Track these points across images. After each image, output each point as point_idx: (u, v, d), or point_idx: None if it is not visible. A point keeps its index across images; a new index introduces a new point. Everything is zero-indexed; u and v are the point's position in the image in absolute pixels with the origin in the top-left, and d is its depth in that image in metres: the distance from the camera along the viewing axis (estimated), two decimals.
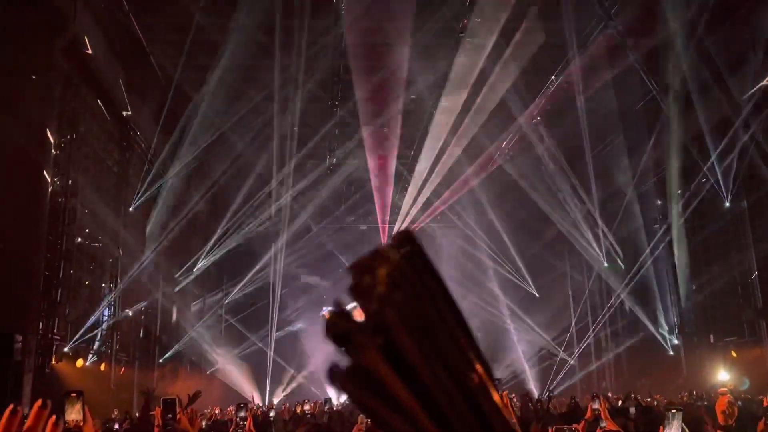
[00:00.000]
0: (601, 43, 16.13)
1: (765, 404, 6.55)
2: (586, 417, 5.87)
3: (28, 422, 1.32)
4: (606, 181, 21.30)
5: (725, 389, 3.75)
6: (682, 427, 3.78)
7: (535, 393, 20.31)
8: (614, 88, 17.93)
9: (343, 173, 22.68)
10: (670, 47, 16.37)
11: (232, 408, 13.20)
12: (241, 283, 24.21)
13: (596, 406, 5.70)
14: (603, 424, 5.47)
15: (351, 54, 16.72)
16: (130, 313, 19.05)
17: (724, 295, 19.16)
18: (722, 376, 17.87)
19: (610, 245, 22.12)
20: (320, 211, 24.66)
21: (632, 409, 9.11)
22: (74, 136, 15.63)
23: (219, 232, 22.36)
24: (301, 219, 23.82)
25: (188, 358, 22.58)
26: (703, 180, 18.36)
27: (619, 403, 12.54)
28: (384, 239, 24.62)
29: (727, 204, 17.92)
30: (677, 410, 3.85)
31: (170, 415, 4.23)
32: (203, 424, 10.01)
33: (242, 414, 5.07)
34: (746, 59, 16.15)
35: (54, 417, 1.28)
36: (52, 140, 14.38)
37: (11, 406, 1.36)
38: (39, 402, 1.38)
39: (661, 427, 3.78)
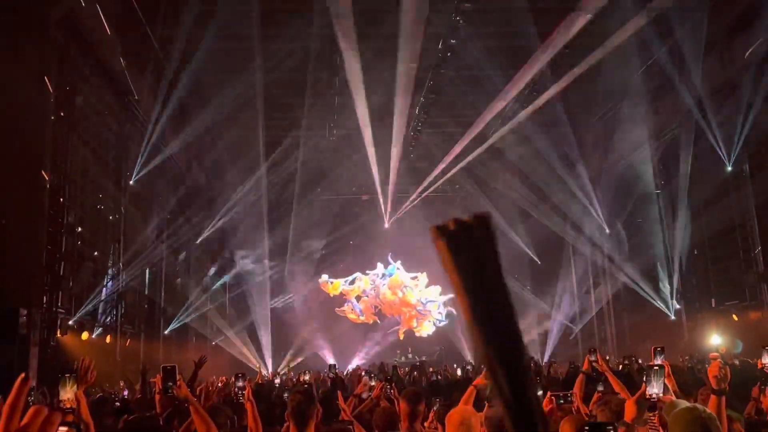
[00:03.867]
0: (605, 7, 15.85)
1: (759, 366, 6.60)
2: (583, 369, 5.90)
3: (9, 398, 1.33)
4: (606, 146, 21.21)
5: (716, 354, 3.79)
6: (666, 386, 3.81)
7: (536, 357, 20.50)
8: (618, 52, 17.72)
9: (343, 142, 22.58)
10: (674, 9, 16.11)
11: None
12: (246, 252, 24.34)
13: (593, 358, 5.80)
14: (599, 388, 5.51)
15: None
16: (135, 284, 19.19)
17: (725, 259, 19.17)
18: (715, 339, 17.98)
19: (610, 211, 22.14)
20: (321, 181, 24.68)
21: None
22: (72, 109, 15.57)
23: (221, 201, 22.44)
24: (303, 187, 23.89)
25: (194, 330, 22.78)
26: (705, 144, 18.23)
27: (620, 367, 12.64)
28: (385, 210, 24.68)
29: (729, 168, 17.83)
30: (659, 367, 3.88)
31: (170, 383, 4.26)
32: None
33: (240, 384, 5.10)
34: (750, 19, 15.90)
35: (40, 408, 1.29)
36: (50, 114, 14.34)
37: (22, 375, 1.38)
38: (22, 375, 1.40)
39: (644, 384, 3.80)
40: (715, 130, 17.46)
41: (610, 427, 2.53)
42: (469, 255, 0.92)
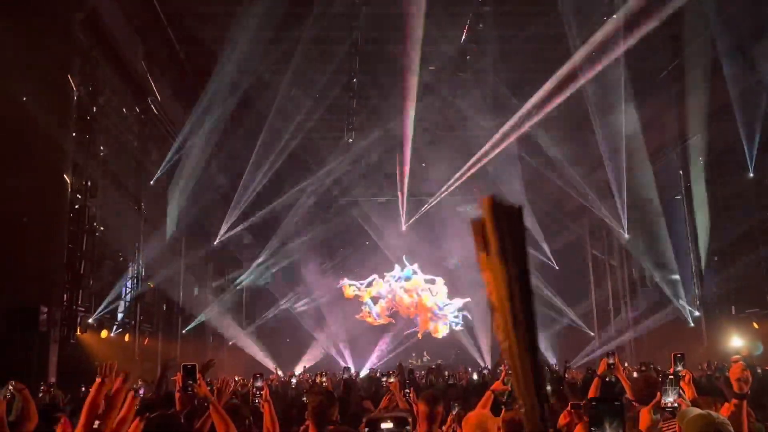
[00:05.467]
0: (628, 7, 15.73)
1: None
2: (598, 372, 5.78)
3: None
4: (627, 151, 21.03)
5: (738, 356, 3.73)
6: (680, 393, 3.78)
7: (552, 362, 20.36)
8: (638, 54, 17.59)
9: (363, 146, 22.58)
10: (696, 10, 15.97)
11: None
12: (264, 254, 24.42)
13: (611, 360, 5.56)
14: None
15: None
16: (154, 284, 19.34)
17: (746, 266, 18.93)
18: (735, 342, 17.79)
19: (630, 216, 21.95)
20: (340, 185, 24.72)
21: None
22: (95, 110, 15.75)
23: (242, 203, 22.53)
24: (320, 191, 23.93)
25: (211, 329, 22.91)
26: (726, 149, 18.01)
27: (634, 374, 12.50)
28: (402, 212, 24.66)
29: (751, 174, 17.62)
30: (674, 376, 3.85)
31: (190, 381, 4.29)
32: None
33: (258, 384, 5.13)
34: None
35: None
36: (73, 114, 14.51)
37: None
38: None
39: (659, 393, 3.77)
40: (737, 135, 17.27)
41: (618, 402, 2.50)
42: (517, 238, 0.90)
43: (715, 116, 17.76)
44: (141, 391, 11.41)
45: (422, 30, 15.97)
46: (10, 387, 3.92)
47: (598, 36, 16.14)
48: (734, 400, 3.42)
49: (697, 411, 3.21)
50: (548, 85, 17.99)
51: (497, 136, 20.37)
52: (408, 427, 1.72)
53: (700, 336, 20.38)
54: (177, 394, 4.88)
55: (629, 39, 16.17)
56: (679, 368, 4.53)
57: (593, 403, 2.67)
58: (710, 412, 3.06)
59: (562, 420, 3.86)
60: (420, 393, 4.62)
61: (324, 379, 10.24)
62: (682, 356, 4.78)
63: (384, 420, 1.68)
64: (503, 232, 0.89)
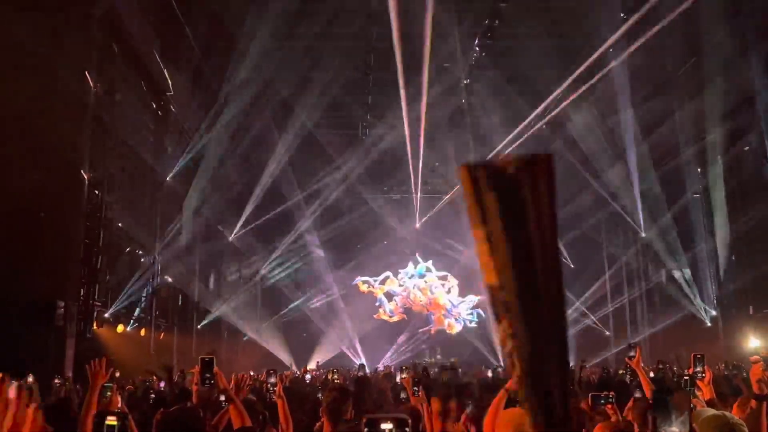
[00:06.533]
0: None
1: None
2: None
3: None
4: (645, 148, 20.84)
5: (757, 356, 3.67)
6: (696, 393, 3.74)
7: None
8: (656, 50, 17.42)
9: (375, 143, 22.55)
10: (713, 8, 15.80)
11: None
12: (278, 251, 24.46)
13: (632, 353, 5.27)
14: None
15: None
16: (170, 279, 19.47)
17: (764, 265, 18.71)
18: (753, 342, 17.60)
19: (647, 214, 21.77)
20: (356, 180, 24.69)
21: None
22: (112, 105, 15.86)
23: (257, 199, 22.59)
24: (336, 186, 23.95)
25: (227, 324, 23.01)
26: (745, 148, 17.81)
27: (651, 374, 12.40)
28: (417, 210, 24.62)
29: None
30: (690, 377, 3.82)
31: (207, 374, 4.31)
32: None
33: (272, 380, 5.15)
34: None
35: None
36: (90, 110, 14.61)
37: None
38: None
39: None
40: (756, 133, 17.07)
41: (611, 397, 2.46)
42: (524, 199, 0.67)
43: (733, 113, 17.57)
44: (161, 385, 11.49)
45: (436, 26, 15.94)
46: (29, 380, 3.97)
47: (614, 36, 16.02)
48: (752, 402, 3.38)
49: (711, 411, 3.18)
50: (567, 82, 17.91)
51: (513, 131, 20.29)
52: (407, 429, 1.70)
53: (717, 335, 20.19)
54: (194, 388, 4.91)
55: (646, 36, 16.05)
56: (699, 368, 4.47)
57: (660, 393, 2.58)
58: (725, 412, 3.03)
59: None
60: (431, 391, 4.60)
61: (336, 376, 10.24)
62: (702, 357, 4.68)
63: (384, 420, 1.66)
64: (509, 203, 0.67)
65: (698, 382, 4.25)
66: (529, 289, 0.68)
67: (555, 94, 18.48)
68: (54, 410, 4.77)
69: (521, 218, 0.67)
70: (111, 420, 2.27)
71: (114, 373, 3.71)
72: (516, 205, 0.67)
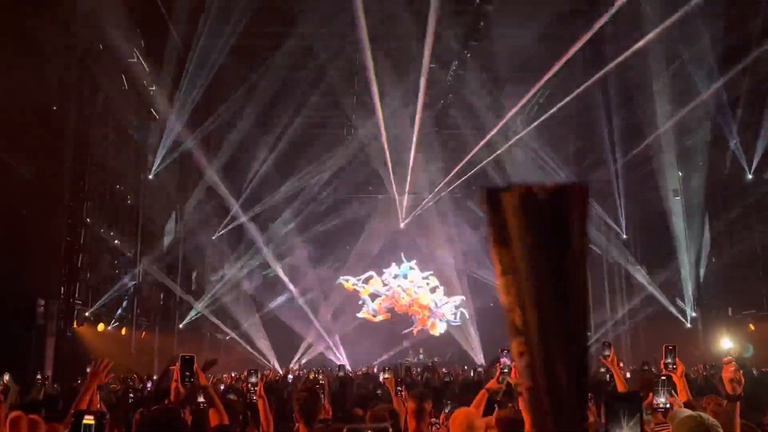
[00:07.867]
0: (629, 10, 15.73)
1: None
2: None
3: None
4: (625, 151, 21.01)
5: (730, 357, 3.70)
6: (672, 393, 3.79)
7: None
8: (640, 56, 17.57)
9: (359, 143, 22.54)
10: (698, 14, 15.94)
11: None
12: (261, 250, 24.38)
13: (606, 353, 5.02)
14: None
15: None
16: (152, 278, 19.33)
17: (743, 267, 18.92)
18: (725, 343, 17.79)
19: (628, 214, 21.97)
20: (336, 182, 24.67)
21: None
22: (94, 102, 15.74)
23: (241, 198, 22.53)
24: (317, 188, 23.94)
25: (208, 324, 22.90)
26: (725, 151, 18.01)
27: (627, 375, 12.49)
28: (400, 210, 24.66)
29: (750, 176, 17.62)
30: (666, 377, 3.86)
31: (188, 372, 4.30)
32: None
33: (253, 380, 5.15)
34: None
35: None
36: (73, 107, 14.50)
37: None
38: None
39: (651, 393, 3.78)
40: (736, 137, 17.27)
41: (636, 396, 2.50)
42: (554, 226, 0.66)
43: (713, 115, 17.76)
44: (149, 385, 11.41)
45: (424, 26, 15.98)
46: (5, 379, 3.94)
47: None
48: (727, 403, 3.43)
49: (687, 412, 3.23)
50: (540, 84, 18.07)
51: (495, 132, 20.39)
52: None
53: (697, 337, 20.39)
54: (173, 385, 4.89)
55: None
56: (669, 360, 4.46)
57: (611, 400, 2.62)
58: (701, 413, 3.07)
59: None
60: (413, 391, 4.63)
61: (320, 376, 10.24)
62: (674, 348, 4.62)
63: (365, 430, 1.65)
64: (536, 230, 0.66)
65: (671, 374, 4.26)
66: (550, 314, 0.67)
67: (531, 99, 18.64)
68: (35, 408, 4.74)
69: (551, 244, 0.66)
70: (88, 419, 2.27)
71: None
72: (547, 231, 0.66)
